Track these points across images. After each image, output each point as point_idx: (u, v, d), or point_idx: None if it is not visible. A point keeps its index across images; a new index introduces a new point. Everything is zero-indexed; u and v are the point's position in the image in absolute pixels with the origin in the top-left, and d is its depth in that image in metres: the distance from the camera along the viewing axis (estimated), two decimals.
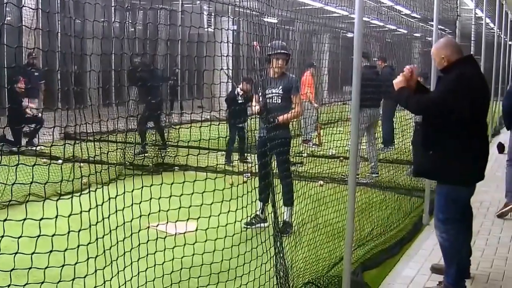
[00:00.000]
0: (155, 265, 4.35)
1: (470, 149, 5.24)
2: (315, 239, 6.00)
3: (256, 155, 7.46)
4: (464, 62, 5.34)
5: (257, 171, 7.14)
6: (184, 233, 4.59)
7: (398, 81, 5.42)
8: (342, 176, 9.29)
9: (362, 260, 6.20)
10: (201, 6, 21.94)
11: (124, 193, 4.18)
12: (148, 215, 4.30)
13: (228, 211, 4.54)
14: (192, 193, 4.33)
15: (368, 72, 10.84)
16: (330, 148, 11.18)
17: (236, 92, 11.37)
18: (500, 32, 21.50)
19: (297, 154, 11.58)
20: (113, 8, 19.52)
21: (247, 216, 4.73)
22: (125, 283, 4.26)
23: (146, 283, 4.37)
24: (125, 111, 10.95)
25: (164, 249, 4.41)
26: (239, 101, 11.26)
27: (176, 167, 10.87)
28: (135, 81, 11.86)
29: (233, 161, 11.90)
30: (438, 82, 5.51)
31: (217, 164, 6.10)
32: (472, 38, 14.88)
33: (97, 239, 3.85)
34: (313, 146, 14.41)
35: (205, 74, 5.44)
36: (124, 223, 4.21)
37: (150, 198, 4.29)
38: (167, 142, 12.74)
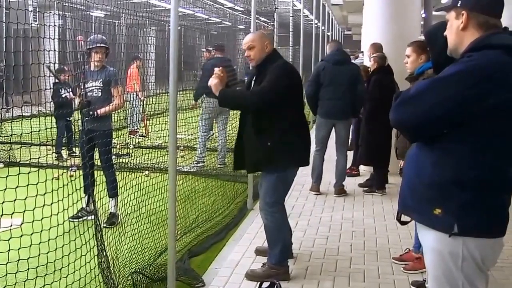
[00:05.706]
0: None
1: (299, 136, 5.54)
2: (139, 228, 6.01)
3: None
4: (276, 52, 5.64)
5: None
6: (10, 227, 4.51)
7: (214, 84, 5.36)
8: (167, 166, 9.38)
9: (189, 247, 6.31)
10: (26, 2, 21.18)
11: None
12: None
13: (51, 203, 4.50)
14: (17, 187, 4.26)
15: (217, 63, 11.03)
16: (156, 138, 11.27)
17: (58, 87, 11.22)
18: (318, 23, 22.54)
19: (124, 146, 11.55)
20: None
21: (64, 209, 4.72)
22: None
23: None
24: None
25: None
26: (63, 94, 11.13)
27: (0, 163, 10.54)
28: None
29: (62, 155, 11.72)
30: (259, 76, 5.50)
31: (39, 158, 6.00)
32: (291, 29, 15.55)
33: None
34: (140, 137, 14.41)
35: (32, 68, 5.37)
36: None
37: None
38: None
